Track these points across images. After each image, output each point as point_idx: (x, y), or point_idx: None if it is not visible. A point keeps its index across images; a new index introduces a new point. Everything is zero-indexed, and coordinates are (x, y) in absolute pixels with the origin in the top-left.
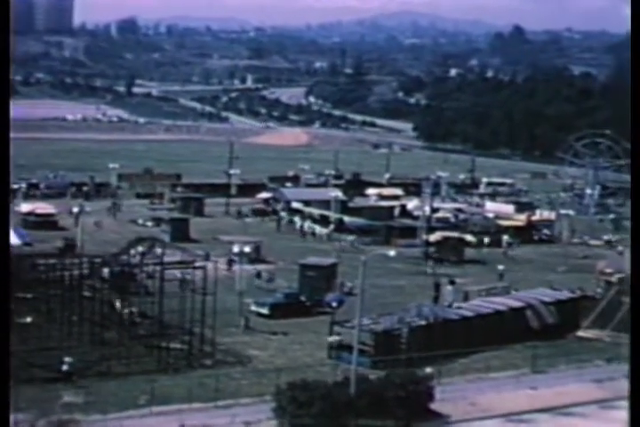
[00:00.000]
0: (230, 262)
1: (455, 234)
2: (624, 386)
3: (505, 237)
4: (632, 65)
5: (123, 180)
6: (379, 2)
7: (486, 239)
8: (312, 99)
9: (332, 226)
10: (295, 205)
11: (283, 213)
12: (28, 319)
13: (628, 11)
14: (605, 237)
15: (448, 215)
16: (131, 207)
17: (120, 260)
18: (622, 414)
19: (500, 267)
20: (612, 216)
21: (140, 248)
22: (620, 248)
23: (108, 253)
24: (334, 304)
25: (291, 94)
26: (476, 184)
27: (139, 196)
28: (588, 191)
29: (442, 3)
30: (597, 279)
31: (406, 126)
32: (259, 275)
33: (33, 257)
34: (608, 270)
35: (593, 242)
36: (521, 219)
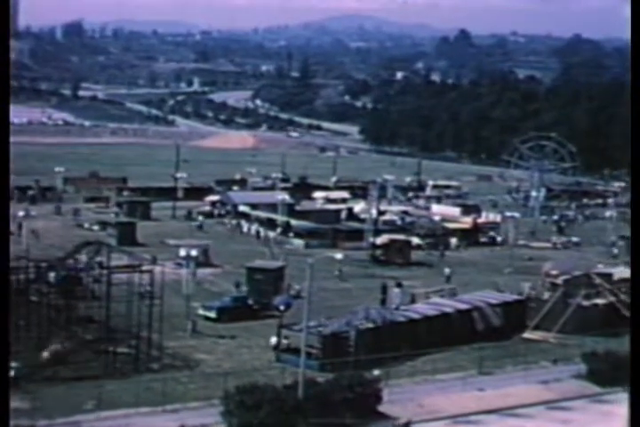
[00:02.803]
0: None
1: (402, 237)
2: (570, 387)
3: (453, 240)
4: (632, 65)
5: (68, 183)
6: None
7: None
8: (259, 102)
9: (279, 229)
10: (242, 208)
11: (229, 217)
12: None
13: (574, 16)
14: (550, 239)
15: (394, 218)
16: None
17: (66, 264)
18: (568, 414)
19: (447, 270)
20: (555, 218)
21: (87, 252)
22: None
23: (54, 258)
24: (282, 307)
25: (237, 97)
26: (422, 187)
27: (85, 199)
28: (534, 194)
29: (388, 6)
30: (543, 281)
31: (352, 129)
32: (237, 285)
33: None
34: (553, 272)
35: (538, 244)
36: (467, 221)
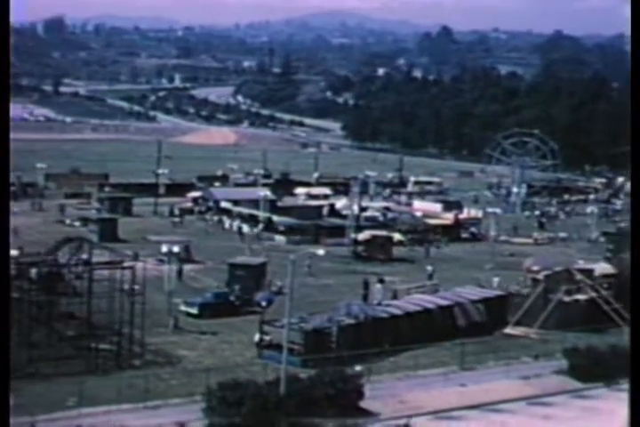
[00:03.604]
0: (180, 272)
1: (383, 233)
2: (551, 382)
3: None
4: (632, 65)
5: (50, 180)
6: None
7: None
8: (240, 98)
9: (260, 225)
10: (224, 204)
11: (211, 213)
12: None
13: (553, 12)
14: (531, 235)
15: (376, 214)
16: (58, 207)
17: (48, 260)
18: (549, 410)
19: (429, 268)
20: (536, 213)
21: (68, 249)
22: None
23: (35, 254)
24: (263, 303)
25: (219, 93)
26: (403, 183)
27: (66, 196)
28: (515, 190)
29: (369, 2)
30: (524, 277)
31: (334, 126)
32: (229, 283)
33: None
34: (535, 268)
35: (519, 240)
36: (448, 217)
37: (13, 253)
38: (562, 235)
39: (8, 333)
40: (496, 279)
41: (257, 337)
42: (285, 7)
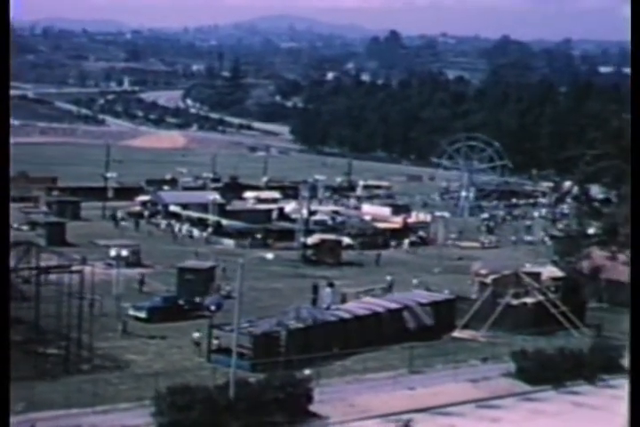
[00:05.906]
0: (142, 282)
1: (332, 236)
2: (499, 385)
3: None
4: (632, 66)
5: None
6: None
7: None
8: (189, 102)
9: (209, 229)
10: (173, 208)
11: (159, 217)
12: None
13: (500, 17)
14: (479, 239)
15: (325, 218)
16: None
17: None
18: (497, 412)
19: (389, 277)
20: (484, 217)
21: (16, 253)
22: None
23: None
24: (213, 308)
25: (168, 97)
26: (352, 187)
27: (13, 199)
28: (463, 194)
29: (318, 6)
30: (472, 280)
31: (283, 129)
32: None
33: None
34: (483, 271)
35: (467, 243)
36: (397, 221)
37: None
38: (509, 238)
39: (8, 333)
40: (415, 281)
41: (195, 335)
42: (233, 10)
